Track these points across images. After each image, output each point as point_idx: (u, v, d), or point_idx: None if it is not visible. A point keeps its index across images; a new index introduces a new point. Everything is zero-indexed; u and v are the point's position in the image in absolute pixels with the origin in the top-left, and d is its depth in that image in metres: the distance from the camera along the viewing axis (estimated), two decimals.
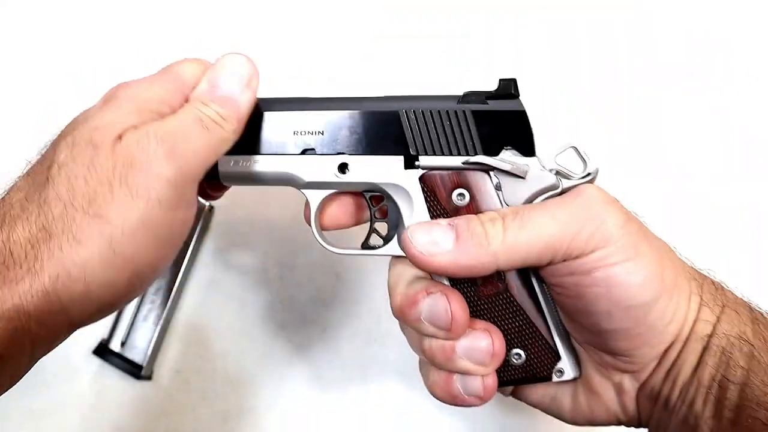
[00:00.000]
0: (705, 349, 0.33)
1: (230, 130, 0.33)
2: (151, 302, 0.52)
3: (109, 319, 0.52)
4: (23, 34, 0.58)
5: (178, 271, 0.53)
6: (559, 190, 0.37)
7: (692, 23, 0.59)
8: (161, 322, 0.51)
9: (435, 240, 0.34)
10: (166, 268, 0.33)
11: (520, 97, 0.39)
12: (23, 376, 0.30)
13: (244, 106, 0.34)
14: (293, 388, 0.53)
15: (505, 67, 0.58)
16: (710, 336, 0.34)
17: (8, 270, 0.29)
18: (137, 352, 0.51)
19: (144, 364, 0.51)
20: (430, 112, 0.37)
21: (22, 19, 0.58)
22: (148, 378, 0.52)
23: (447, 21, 0.59)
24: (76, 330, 0.31)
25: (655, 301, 0.33)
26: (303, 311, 0.54)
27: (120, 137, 0.31)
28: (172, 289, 0.52)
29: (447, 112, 0.37)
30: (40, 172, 0.32)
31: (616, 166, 0.56)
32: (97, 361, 0.51)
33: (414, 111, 0.37)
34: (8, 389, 0.30)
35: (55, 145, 0.33)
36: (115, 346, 0.51)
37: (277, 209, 0.55)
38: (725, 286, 0.37)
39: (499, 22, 0.59)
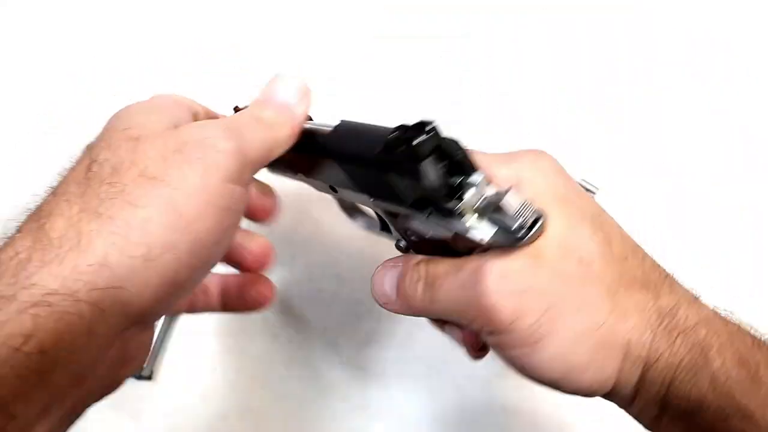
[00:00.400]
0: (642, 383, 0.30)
1: (285, 135, 0.33)
2: None
3: None
4: (23, 34, 0.58)
5: None
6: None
7: (692, 23, 0.59)
8: (162, 322, 0.51)
9: (385, 292, 0.35)
10: (225, 247, 0.31)
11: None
12: (100, 386, 0.27)
13: (299, 116, 0.34)
14: (293, 388, 0.53)
15: (505, 67, 0.58)
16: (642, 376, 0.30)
17: (46, 252, 0.25)
18: None
19: (144, 364, 0.51)
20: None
21: (22, 19, 0.58)
22: (148, 378, 0.52)
23: (447, 21, 0.59)
24: (134, 326, 0.27)
25: (568, 373, 0.29)
26: (303, 311, 0.54)
27: (169, 127, 0.30)
28: None
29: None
30: (74, 180, 0.28)
31: (616, 166, 0.56)
32: None
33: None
34: (89, 402, 0.28)
35: (82, 159, 0.30)
36: None
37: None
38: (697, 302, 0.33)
39: (499, 22, 0.59)
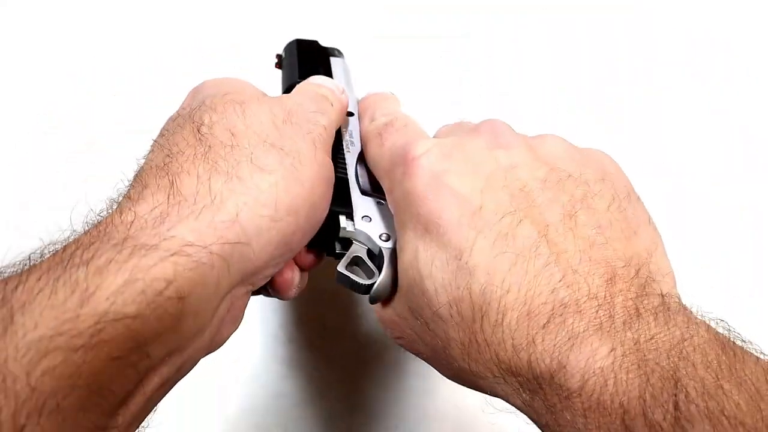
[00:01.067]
0: None
1: (337, 111, 0.35)
2: None
3: None
4: (23, 34, 0.58)
5: None
6: None
7: (692, 23, 0.59)
8: None
9: None
10: (323, 218, 0.33)
11: None
12: (208, 342, 0.29)
13: (345, 100, 0.37)
14: (293, 388, 0.53)
15: (505, 67, 0.58)
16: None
17: (182, 207, 0.26)
18: None
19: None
20: None
21: (22, 18, 0.58)
22: None
23: (447, 21, 0.59)
24: (244, 285, 0.29)
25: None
26: (303, 311, 0.54)
27: (262, 95, 0.33)
28: None
29: None
30: (186, 141, 0.30)
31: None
32: None
33: None
34: (205, 351, 0.30)
35: (182, 123, 0.31)
36: None
37: None
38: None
39: (499, 22, 0.59)
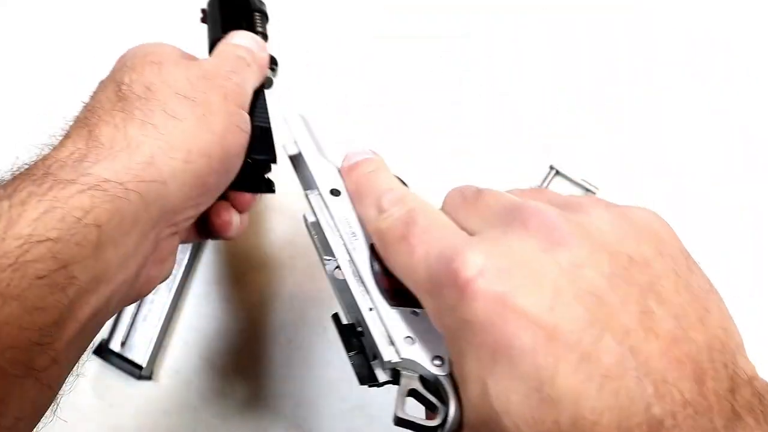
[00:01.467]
0: None
1: (254, 71, 0.39)
2: (150, 302, 0.52)
3: (109, 320, 0.52)
4: (23, 34, 0.58)
5: (179, 271, 0.53)
6: None
7: (692, 23, 0.59)
8: (161, 322, 0.51)
9: None
10: (238, 165, 0.36)
11: None
12: (137, 283, 0.32)
13: (263, 58, 0.40)
14: (293, 388, 0.53)
15: (505, 67, 0.58)
16: None
17: (100, 152, 0.30)
18: (137, 352, 0.51)
19: (144, 364, 0.51)
20: None
21: (22, 19, 0.58)
22: (149, 378, 0.52)
23: (447, 21, 0.59)
24: (167, 225, 0.32)
25: None
26: (303, 311, 0.54)
27: (182, 57, 0.37)
28: (172, 289, 0.52)
29: None
30: (107, 99, 0.33)
31: (616, 166, 0.56)
32: (97, 361, 0.51)
33: None
34: (134, 291, 0.32)
35: (107, 84, 0.35)
36: (115, 346, 0.51)
37: (277, 210, 0.55)
38: None
39: (499, 22, 0.59)
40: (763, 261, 0.55)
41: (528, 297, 0.24)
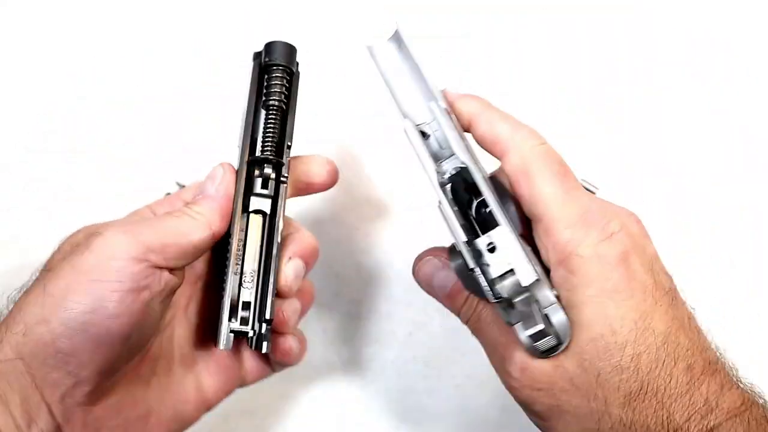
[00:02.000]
0: None
1: (190, 226, 0.37)
2: None
3: None
4: (23, 34, 0.58)
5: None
6: None
7: (692, 23, 0.59)
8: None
9: (431, 287, 0.40)
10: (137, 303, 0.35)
11: None
12: None
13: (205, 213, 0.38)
14: (293, 388, 0.53)
15: (505, 67, 0.58)
16: None
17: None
18: None
19: None
20: None
21: (23, 19, 0.58)
22: None
23: (447, 21, 0.59)
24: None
25: None
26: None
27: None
28: None
29: None
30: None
31: (616, 166, 0.56)
32: None
33: None
34: None
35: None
36: None
37: None
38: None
39: (499, 22, 0.59)
40: (763, 261, 0.55)
41: (640, 258, 0.33)
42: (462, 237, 0.33)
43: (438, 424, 0.53)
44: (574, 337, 0.32)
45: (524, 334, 0.33)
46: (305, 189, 0.42)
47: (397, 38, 0.38)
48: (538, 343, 0.32)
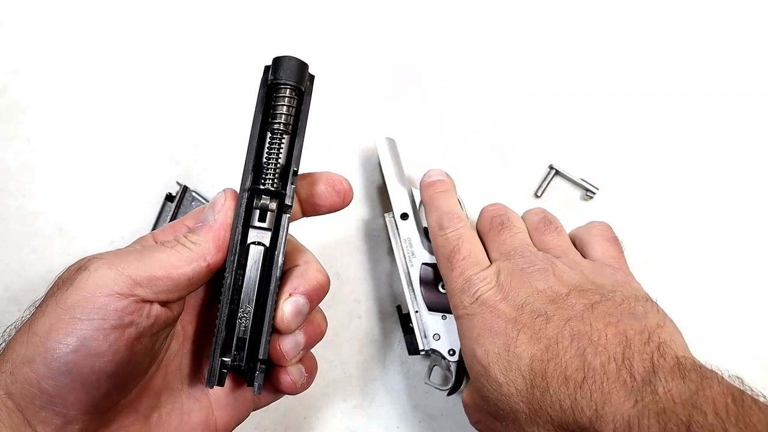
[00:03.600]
0: None
1: (179, 260, 0.35)
2: None
3: None
4: (24, 34, 0.58)
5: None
6: None
7: (692, 23, 0.59)
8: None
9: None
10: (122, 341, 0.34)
11: None
12: None
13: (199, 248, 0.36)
14: None
15: (505, 66, 0.58)
16: None
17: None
18: None
19: None
20: None
21: (23, 18, 0.58)
22: None
23: (446, 20, 0.59)
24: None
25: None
26: None
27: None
28: None
29: None
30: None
31: (616, 166, 0.56)
32: None
33: None
34: None
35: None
36: None
37: None
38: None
39: (499, 21, 0.59)
40: (763, 261, 0.55)
41: (508, 301, 0.41)
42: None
43: (438, 424, 0.53)
44: (471, 376, 0.42)
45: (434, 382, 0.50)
46: (312, 210, 0.40)
47: (391, 141, 0.53)
48: (446, 387, 0.48)
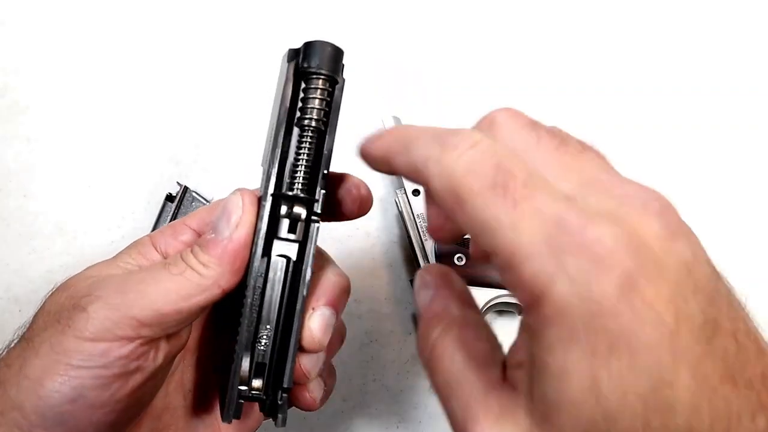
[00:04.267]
0: None
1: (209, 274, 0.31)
2: None
3: None
4: (24, 34, 0.58)
5: None
6: None
7: (692, 23, 0.59)
8: None
9: (416, 302, 0.31)
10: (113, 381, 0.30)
11: None
12: None
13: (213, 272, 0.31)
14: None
15: (505, 66, 0.58)
16: None
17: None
18: None
19: None
20: None
21: (23, 18, 0.58)
22: None
23: (446, 19, 0.59)
24: None
25: None
26: None
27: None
28: None
29: None
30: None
31: (616, 166, 0.56)
32: None
33: None
34: None
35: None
36: None
37: None
38: None
39: (498, 20, 0.59)
40: (765, 261, 0.55)
41: (655, 285, 0.21)
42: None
43: (438, 423, 0.53)
44: (553, 418, 0.22)
45: None
46: (328, 216, 0.34)
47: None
48: None
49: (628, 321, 0.20)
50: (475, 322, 0.27)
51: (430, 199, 0.27)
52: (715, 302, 0.22)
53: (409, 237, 0.49)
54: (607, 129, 0.57)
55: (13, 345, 0.30)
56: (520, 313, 0.48)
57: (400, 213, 0.50)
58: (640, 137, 0.57)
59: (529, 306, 0.22)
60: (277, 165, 0.31)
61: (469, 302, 0.28)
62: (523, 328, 0.23)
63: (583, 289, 0.20)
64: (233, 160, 0.54)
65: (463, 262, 0.45)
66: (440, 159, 0.24)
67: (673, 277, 0.21)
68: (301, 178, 0.31)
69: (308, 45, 0.31)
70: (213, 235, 0.31)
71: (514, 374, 0.24)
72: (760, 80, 0.58)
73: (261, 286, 0.32)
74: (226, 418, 0.31)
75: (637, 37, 0.59)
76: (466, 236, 0.38)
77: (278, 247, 0.32)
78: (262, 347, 0.32)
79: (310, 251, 0.32)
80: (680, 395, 0.20)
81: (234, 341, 0.31)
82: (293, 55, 0.31)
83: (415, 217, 0.49)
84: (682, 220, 0.24)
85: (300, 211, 0.31)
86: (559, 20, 0.59)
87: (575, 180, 0.24)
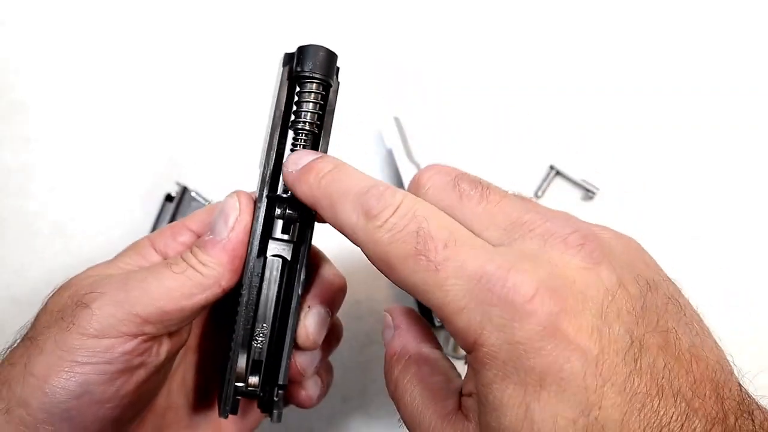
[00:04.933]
0: None
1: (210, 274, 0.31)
2: None
3: None
4: (24, 34, 0.58)
5: None
6: None
7: (692, 23, 0.59)
8: None
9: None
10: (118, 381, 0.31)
11: None
12: None
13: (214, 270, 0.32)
14: None
15: (505, 65, 0.58)
16: None
17: None
18: None
19: None
20: None
21: (23, 18, 0.58)
22: None
23: (446, 19, 0.59)
24: None
25: None
26: None
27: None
28: None
29: None
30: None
31: (616, 166, 0.56)
32: None
33: None
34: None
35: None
36: None
37: None
38: None
39: (498, 19, 0.59)
40: (765, 261, 0.55)
41: (577, 318, 0.23)
42: None
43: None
44: None
45: None
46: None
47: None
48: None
49: (554, 357, 0.23)
50: (433, 358, 0.31)
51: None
52: (644, 320, 0.24)
53: None
54: (607, 129, 0.57)
55: (16, 345, 0.31)
56: None
57: None
58: (640, 137, 0.57)
59: (467, 350, 0.25)
60: (272, 167, 0.32)
61: (428, 339, 0.32)
62: (469, 365, 0.26)
63: (508, 336, 0.23)
64: (233, 161, 0.54)
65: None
66: (365, 228, 0.27)
67: (596, 306, 0.24)
68: None
69: (302, 49, 0.32)
70: (211, 236, 0.32)
71: (467, 402, 0.26)
72: (760, 80, 0.58)
73: (257, 285, 0.33)
74: (222, 413, 0.32)
75: (637, 37, 0.59)
76: None
77: (273, 247, 0.33)
78: (258, 345, 0.33)
79: (304, 251, 0.33)
80: (610, 413, 0.22)
81: (231, 339, 0.32)
82: (288, 59, 0.32)
83: None
84: (605, 245, 0.26)
85: (294, 212, 0.32)
86: (559, 20, 0.59)
87: (500, 226, 0.27)
